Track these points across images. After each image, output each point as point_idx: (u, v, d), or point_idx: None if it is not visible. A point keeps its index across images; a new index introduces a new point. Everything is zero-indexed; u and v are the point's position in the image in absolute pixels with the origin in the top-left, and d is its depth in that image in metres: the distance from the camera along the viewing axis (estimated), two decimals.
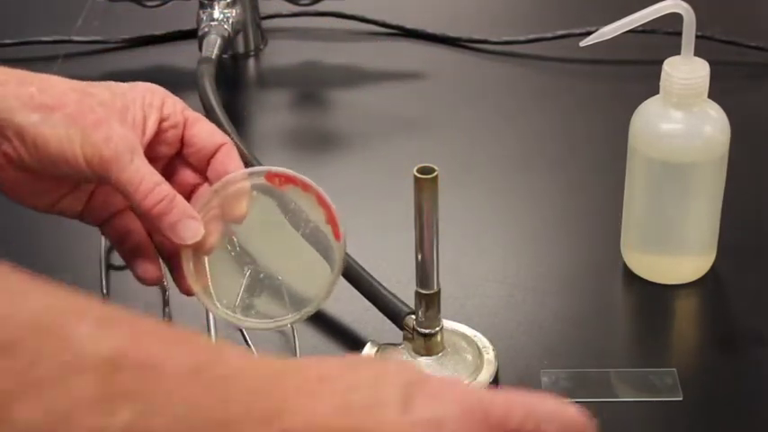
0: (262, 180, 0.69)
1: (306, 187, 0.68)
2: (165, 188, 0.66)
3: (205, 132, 0.70)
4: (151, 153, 0.67)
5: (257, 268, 0.70)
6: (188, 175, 0.70)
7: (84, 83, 0.68)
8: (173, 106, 0.69)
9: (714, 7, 1.12)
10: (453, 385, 0.48)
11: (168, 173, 0.69)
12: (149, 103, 0.68)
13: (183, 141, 0.70)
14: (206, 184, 0.70)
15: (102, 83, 0.68)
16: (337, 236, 0.68)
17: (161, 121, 0.68)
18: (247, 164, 0.71)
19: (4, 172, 0.66)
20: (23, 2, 1.22)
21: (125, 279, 0.71)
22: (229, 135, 0.75)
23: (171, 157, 0.70)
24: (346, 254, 0.69)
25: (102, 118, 0.65)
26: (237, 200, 0.68)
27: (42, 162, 0.65)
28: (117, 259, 0.77)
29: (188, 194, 0.69)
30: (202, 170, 0.70)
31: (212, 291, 0.68)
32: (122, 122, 0.66)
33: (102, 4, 1.13)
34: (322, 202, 0.68)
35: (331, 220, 0.68)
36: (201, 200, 0.68)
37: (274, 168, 0.69)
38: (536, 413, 0.47)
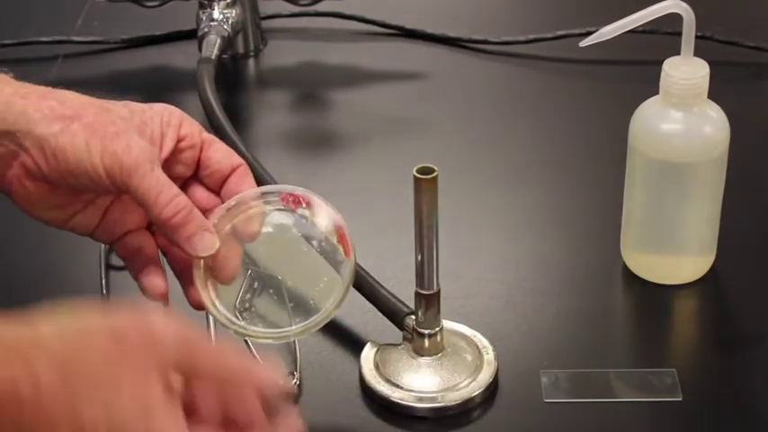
0: (276, 199, 0.69)
1: (319, 207, 0.69)
2: (183, 200, 0.66)
3: (221, 154, 0.70)
4: (168, 172, 0.67)
5: (259, 272, 0.70)
6: (203, 197, 0.71)
7: (102, 100, 0.68)
8: (190, 127, 0.70)
9: (714, 7, 1.11)
10: None
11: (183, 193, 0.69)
12: (167, 122, 0.69)
13: (198, 163, 0.70)
14: (220, 203, 0.70)
15: (120, 102, 0.69)
16: (347, 253, 0.68)
17: (178, 140, 0.69)
18: (261, 182, 0.72)
19: (21, 184, 0.66)
20: (23, 2, 1.22)
21: (125, 279, 0.71)
22: (227, 137, 0.75)
23: (186, 179, 0.70)
24: (357, 264, 0.69)
25: (121, 130, 0.66)
26: (251, 219, 0.69)
27: (61, 172, 0.65)
28: (117, 260, 0.77)
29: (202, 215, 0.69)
30: (217, 192, 0.70)
31: (220, 304, 0.68)
32: (141, 136, 0.66)
33: (102, 4, 1.13)
34: (335, 221, 0.68)
35: (342, 239, 0.68)
36: (215, 217, 0.68)
37: (289, 187, 0.69)
38: None
